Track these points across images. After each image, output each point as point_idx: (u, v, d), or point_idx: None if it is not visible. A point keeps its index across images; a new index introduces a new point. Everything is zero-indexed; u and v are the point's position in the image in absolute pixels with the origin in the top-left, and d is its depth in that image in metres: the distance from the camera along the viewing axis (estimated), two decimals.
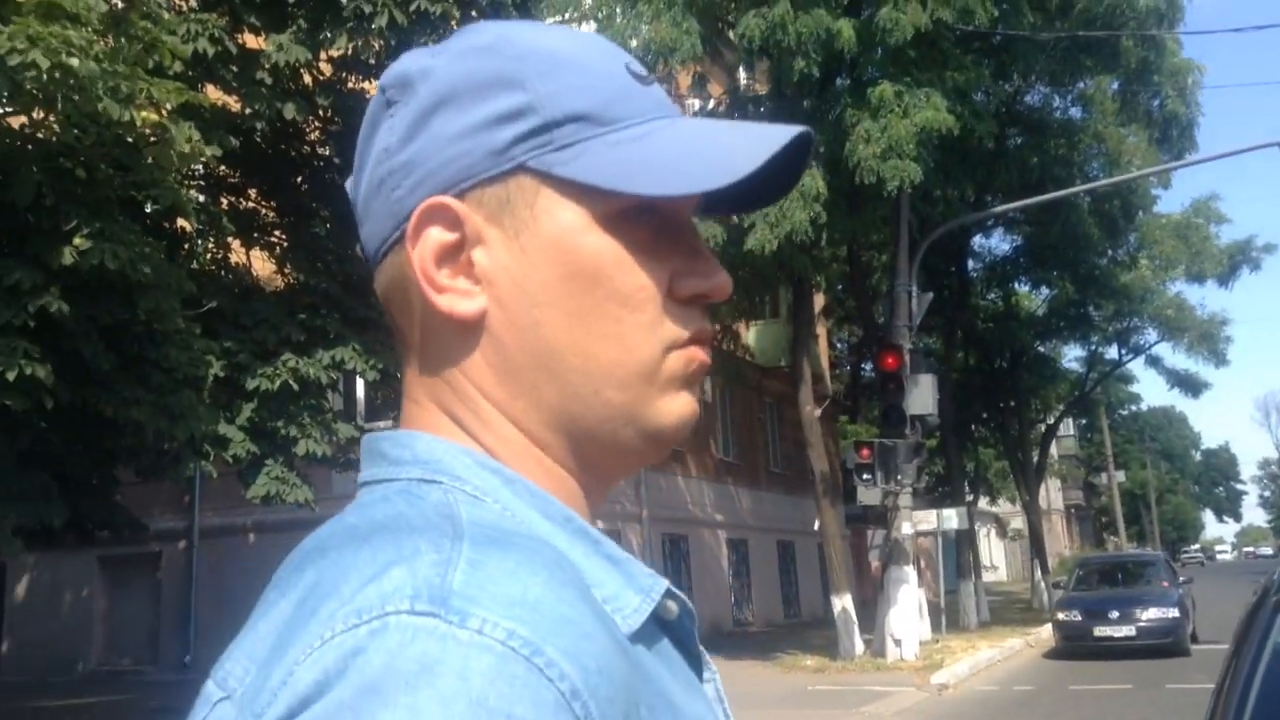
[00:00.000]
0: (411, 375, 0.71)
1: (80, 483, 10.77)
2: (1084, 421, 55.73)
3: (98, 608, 19.14)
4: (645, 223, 0.68)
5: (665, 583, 0.65)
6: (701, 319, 0.70)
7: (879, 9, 14.63)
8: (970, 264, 27.26)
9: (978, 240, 27.11)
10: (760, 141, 0.67)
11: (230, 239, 13.58)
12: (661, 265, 0.68)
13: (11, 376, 7.75)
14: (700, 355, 0.70)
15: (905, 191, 15.79)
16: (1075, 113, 22.41)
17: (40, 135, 8.50)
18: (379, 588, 0.52)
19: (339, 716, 0.48)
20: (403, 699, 0.48)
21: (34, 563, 18.73)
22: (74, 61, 6.83)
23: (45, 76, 6.86)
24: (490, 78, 0.67)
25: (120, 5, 8.32)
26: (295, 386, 11.83)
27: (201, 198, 12.90)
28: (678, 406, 0.70)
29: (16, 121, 8.69)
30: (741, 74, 21.18)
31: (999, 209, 21.01)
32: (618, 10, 16.25)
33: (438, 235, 0.66)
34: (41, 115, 8.27)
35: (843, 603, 17.07)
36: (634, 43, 16.27)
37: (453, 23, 12.31)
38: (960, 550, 25.51)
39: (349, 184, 0.74)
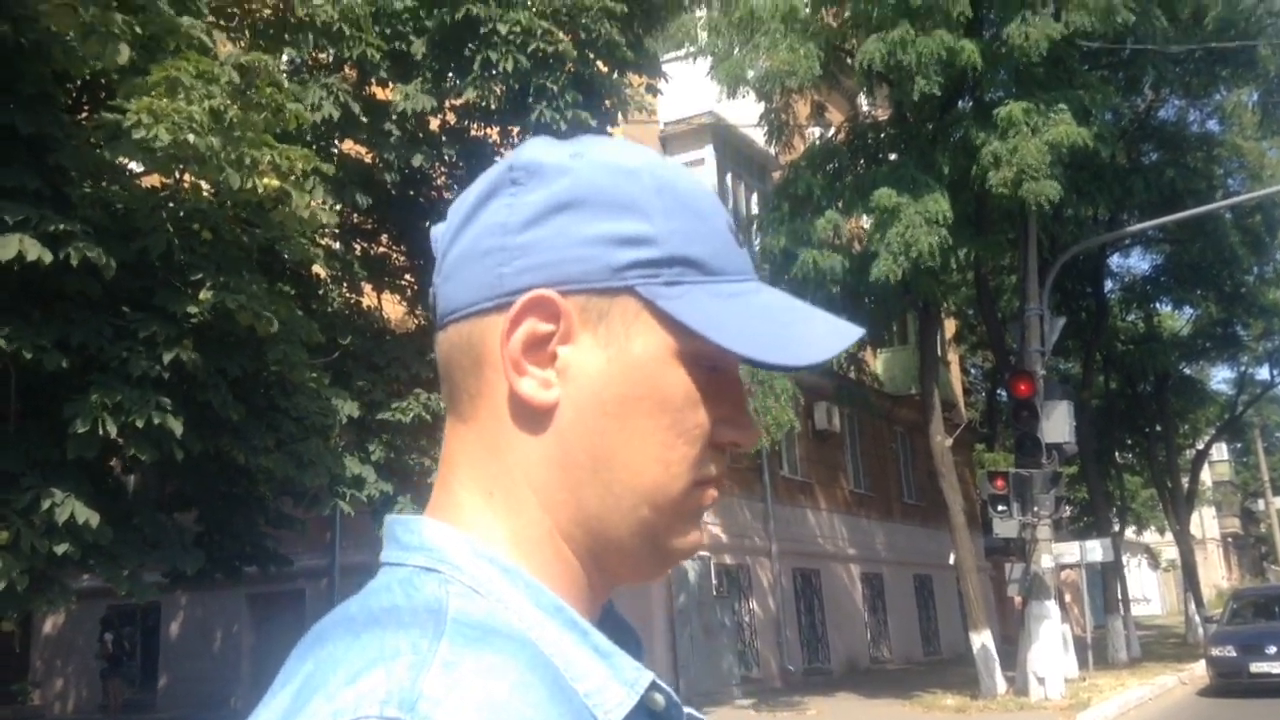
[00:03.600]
0: (455, 439, 0.74)
1: (223, 526, 11.17)
2: (1238, 445, 53.26)
3: (246, 644, 19.78)
4: (711, 369, 0.73)
5: (651, 675, 0.67)
6: (724, 462, 0.76)
7: (1004, 26, 14.32)
8: (1108, 284, 26.41)
9: (1115, 260, 26.29)
10: (833, 335, 0.74)
11: (362, 283, 14.04)
12: (713, 410, 0.73)
13: (140, 424, 8.09)
14: (714, 494, 0.75)
15: (1033, 212, 15.39)
16: (1212, 126, 21.56)
17: (172, 198, 8.91)
18: (356, 691, 0.58)
19: None
20: None
21: (186, 602, 19.49)
22: (192, 137, 7.16)
23: (170, 149, 7.19)
24: (626, 200, 0.72)
25: (247, 67, 8.68)
26: (427, 418, 12.14)
27: (336, 245, 13.38)
28: (691, 538, 0.75)
29: (148, 181, 9.10)
30: (862, 101, 20.99)
31: (1135, 227, 20.32)
32: (735, 43, 16.27)
33: (537, 324, 0.70)
34: (175, 178, 8.67)
35: (982, 639, 16.55)
36: (751, 74, 16.29)
37: (569, 65, 12.51)
38: (1107, 583, 24.58)
39: (437, 231, 0.78)
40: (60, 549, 8.31)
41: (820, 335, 0.74)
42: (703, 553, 18.52)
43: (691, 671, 17.50)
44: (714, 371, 0.73)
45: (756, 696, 17.92)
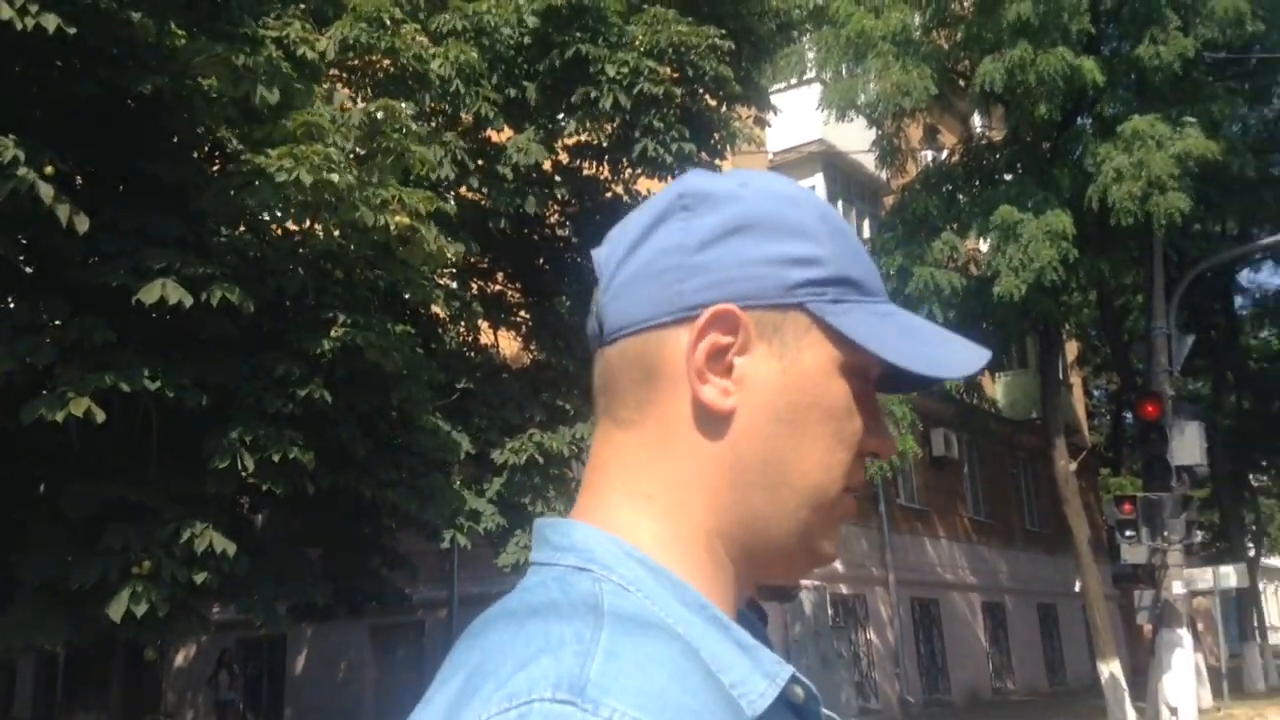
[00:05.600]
0: (612, 445, 0.79)
1: (346, 561, 11.46)
2: None
3: (369, 675, 20.15)
4: (861, 382, 0.79)
5: (791, 669, 0.71)
6: (865, 471, 0.82)
7: (1132, 45, 13.99)
8: (1238, 301, 25.52)
9: (1245, 275, 25.40)
10: (973, 352, 0.81)
11: (479, 321, 14.30)
12: (863, 419, 0.79)
13: (276, 458, 8.37)
14: (854, 504, 0.81)
15: (1160, 227, 14.97)
16: None
17: (306, 243, 9.25)
18: (528, 675, 0.61)
19: None
20: None
21: (310, 634, 19.96)
22: (334, 177, 7.45)
23: (310, 190, 7.49)
24: (794, 225, 0.78)
25: (375, 118, 8.99)
26: (540, 460, 12.28)
27: (454, 284, 13.68)
28: (834, 539, 0.81)
29: (285, 229, 9.45)
30: (975, 122, 20.69)
31: (1266, 241, 19.58)
32: (843, 69, 16.20)
33: (719, 336, 0.75)
34: (308, 224, 9.00)
35: (1110, 669, 16.03)
36: (861, 99, 16.21)
37: (675, 101, 12.63)
38: (1242, 609, 23.65)
39: (600, 254, 0.82)
40: (199, 578, 8.63)
41: (961, 352, 0.80)
42: (818, 583, 18.32)
43: None
44: (863, 384, 0.79)
45: None
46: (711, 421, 0.76)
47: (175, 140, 9.43)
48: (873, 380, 0.81)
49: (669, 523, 0.75)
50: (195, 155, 9.94)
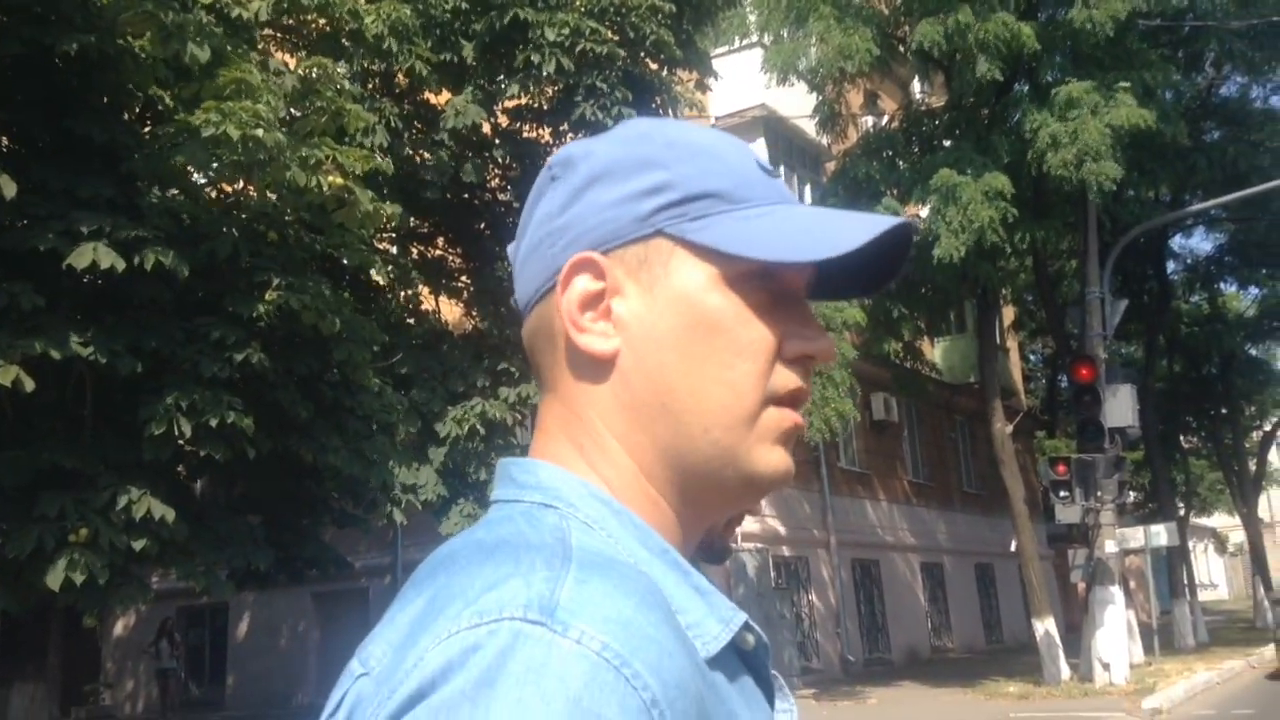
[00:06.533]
0: (545, 409, 0.81)
1: (288, 526, 11.39)
2: None
3: (312, 642, 20.09)
4: (763, 288, 0.77)
5: (744, 616, 0.73)
6: (802, 380, 0.79)
7: (1066, 9, 14.11)
8: (1171, 266, 25.97)
9: (1177, 241, 25.87)
10: (864, 225, 0.76)
11: (420, 287, 14.19)
12: (774, 325, 0.77)
13: (215, 423, 8.29)
14: (794, 418, 0.79)
15: (1093, 194, 15.20)
16: (1276, 102, 21.15)
17: (239, 204, 9.12)
18: (498, 595, 0.62)
19: (458, 704, 0.58)
20: (511, 693, 0.57)
21: (253, 602, 19.84)
22: (260, 133, 7.33)
23: (239, 147, 7.37)
24: (641, 159, 0.78)
25: (309, 77, 8.86)
26: (482, 430, 12.26)
27: (393, 249, 13.54)
28: (774, 459, 0.78)
29: (219, 191, 9.31)
30: (915, 88, 20.83)
31: (1197, 207, 19.97)
32: (784, 33, 16.22)
33: (584, 284, 0.77)
34: (241, 185, 8.87)
35: (1045, 626, 16.40)
36: (803, 64, 16.25)
37: (618, 62, 12.56)
38: (1172, 568, 24.25)
39: (511, 248, 0.85)
40: (139, 545, 8.54)
41: (851, 228, 0.76)
42: (760, 545, 18.52)
43: None
44: (766, 290, 0.77)
45: (817, 687, 17.90)
46: (600, 366, 0.77)
47: (105, 100, 9.23)
48: (794, 286, 0.80)
49: (604, 471, 0.77)
50: (126, 116, 9.73)
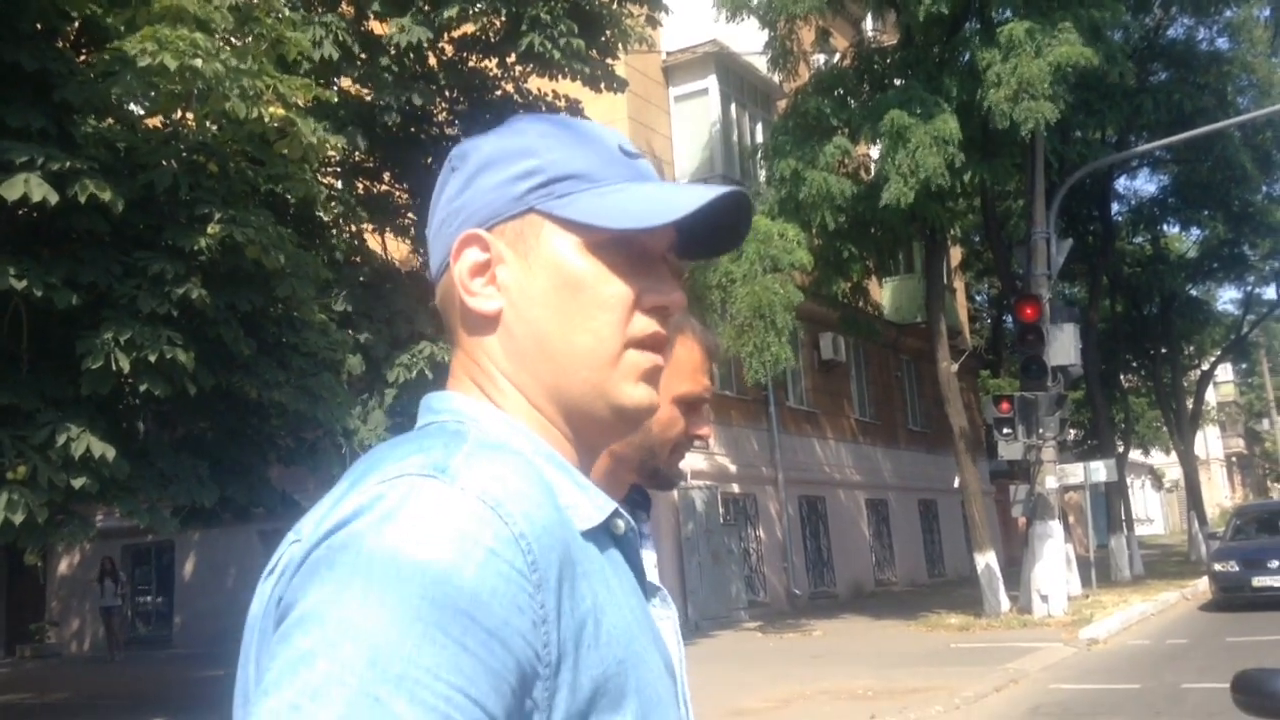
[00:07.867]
0: (454, 359, 0.98)
1: (232, 465, 11.27)
2: (1243, 366, 53.27)
3: (258, 580, 20.03)
4: (621, 251, 0.92)
5: (615, 505, 0.88)
6: (660, 326, 0.94)
7: None
8: (1115, 207, 26.21)
9: (1122, 182, 26.13)
10: (696, 195, 0.91)
11: (365, 223, 13.97)
12: (632, 282, 0.92)
13: (153, 358, 8.16)
14: (654, 359, 0.94)
15: (1040, 134, 15.26)
16: (1222, 44, 21.27)
17: (178, 135, 8.88)
18: (401, 464, 0.78)
19: (362, 534, 0.73)
20: (406, 524, 0.73)
21: (199, 540, 19.73)
22: (199, 63, 7.13)
23: (176, 77, 7.17)
24: (518, 149, 0.94)
25: (248, 3, 8.61)
26: (430, 374, 12.18)
27: (338, 184, 13.30)
28: (638, 394, 0.93)
29: (155, 123, 9.06)
30: (867, 26, 20.72)
31: (1142, 148, 20.18)
32: None
33: (473, 255, 0.93)
34: (179, 115, 8.63)
35: (986, 560, 16.75)
36: (754, 1, 16.11)
37: None
38: (1111, 503, 24.78)
39: (427, 230, 1.01)
40: (78, 483, 8.43)
41: (686, 198, 0.91)
42: (709, 482, 18.69)
43: (700, 596, 17.75)
44: (625, 254, 0.92)
45: (763, 620, 18.19)
46: (489, 322, 0.93)
47: (37, 27, 8.92)
48: (652, 248, 0.94)
49: (502, 402, 0.93)
50: (60, 44, 9.43)
